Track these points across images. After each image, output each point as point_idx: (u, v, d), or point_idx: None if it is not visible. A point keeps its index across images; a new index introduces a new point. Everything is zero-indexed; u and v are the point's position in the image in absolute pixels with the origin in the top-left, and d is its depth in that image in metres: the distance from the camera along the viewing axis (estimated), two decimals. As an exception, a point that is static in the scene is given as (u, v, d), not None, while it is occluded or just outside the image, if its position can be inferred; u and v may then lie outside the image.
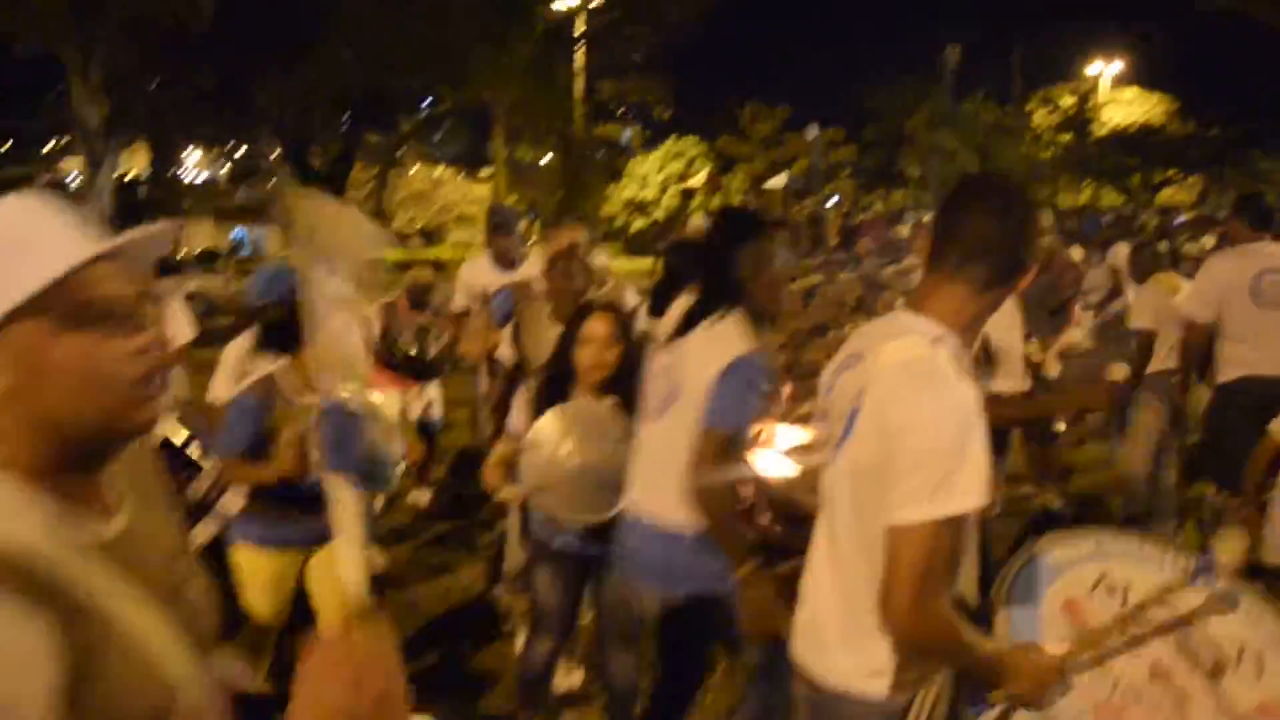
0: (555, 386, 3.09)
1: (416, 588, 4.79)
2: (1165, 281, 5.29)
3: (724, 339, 2.54)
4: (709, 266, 2.71)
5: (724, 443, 2.44)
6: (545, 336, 3.89)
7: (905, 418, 1.66)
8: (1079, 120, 37.15)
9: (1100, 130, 36.72)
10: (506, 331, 4.58)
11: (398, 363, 5.62)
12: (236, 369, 4.01)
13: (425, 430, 5.94)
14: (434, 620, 4.45)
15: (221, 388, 3.98)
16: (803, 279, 15.81)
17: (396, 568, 4.99)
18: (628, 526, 2.73)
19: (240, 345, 4.20)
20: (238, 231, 47.14)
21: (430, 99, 27.86)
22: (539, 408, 3.04)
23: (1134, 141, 35.26)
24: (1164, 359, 5.02)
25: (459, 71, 21.23)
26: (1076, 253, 8.03)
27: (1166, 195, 36.77)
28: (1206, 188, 38.29)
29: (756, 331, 2.59)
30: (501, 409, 4.09)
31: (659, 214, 32.66)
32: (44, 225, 1.07)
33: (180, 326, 5.28)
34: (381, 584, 3.68)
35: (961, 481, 1.62)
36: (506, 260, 5.03)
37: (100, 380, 1.06)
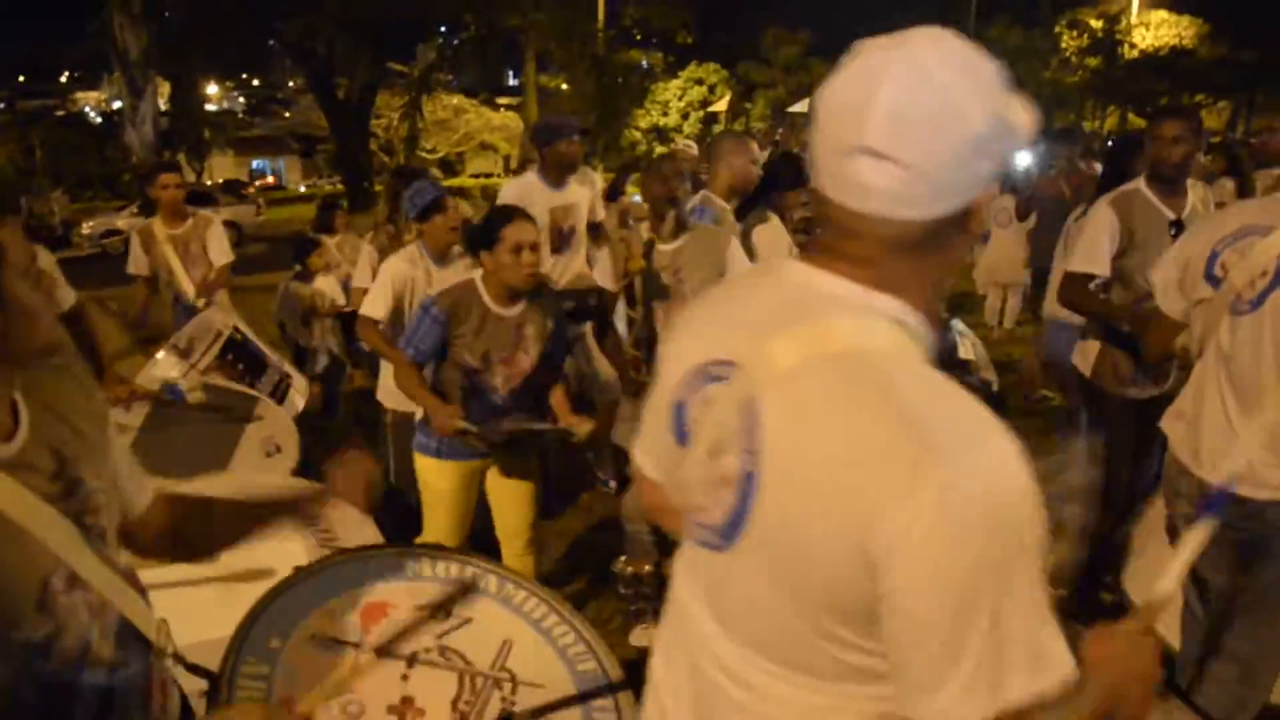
0: None
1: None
2: None
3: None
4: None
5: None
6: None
7: None
8: (1108, 43, 36.48)
9: (1129, 54, 36.08)
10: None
11: None
12: (394, 285, 3.90)
13: None
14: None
15: (379, 305, 3.90)
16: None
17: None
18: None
19: (396, 263, 3.97)
20: (258, 163, 47.18)
21: (451, 26, 27.63)
22: None
23: (1164, 65, 34.64)
24: None
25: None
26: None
27: (1193, 120, 36.15)
28: (1235, 113, 37.70)
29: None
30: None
31: (681, 141, 32.48)
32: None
33: (223, 249, 5.43)
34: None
35: None
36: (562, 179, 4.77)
37: None
